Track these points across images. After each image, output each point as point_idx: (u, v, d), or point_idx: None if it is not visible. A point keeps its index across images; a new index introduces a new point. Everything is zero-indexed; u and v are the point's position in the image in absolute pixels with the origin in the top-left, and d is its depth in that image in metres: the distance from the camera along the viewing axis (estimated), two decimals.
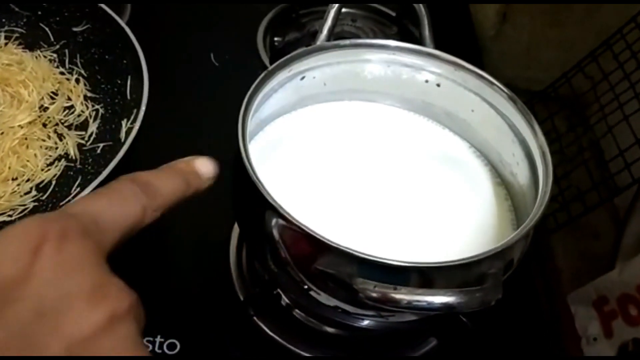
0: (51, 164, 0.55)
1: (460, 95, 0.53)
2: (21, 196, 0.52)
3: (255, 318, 0.53)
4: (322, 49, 0.51)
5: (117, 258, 0.55)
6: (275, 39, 0.77)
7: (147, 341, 0.50)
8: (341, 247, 0.37)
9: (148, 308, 0.52)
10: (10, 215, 0.50)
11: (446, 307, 0.36)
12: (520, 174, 0.50)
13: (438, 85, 0.54)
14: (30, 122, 0.55)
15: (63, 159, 0.56)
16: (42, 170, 0.54)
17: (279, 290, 0.53)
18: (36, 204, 0.52)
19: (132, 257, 0.56)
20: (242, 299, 0.54)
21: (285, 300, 0.54)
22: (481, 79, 0.51)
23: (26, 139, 0.55)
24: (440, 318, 0.52)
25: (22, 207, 0.51)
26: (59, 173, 0.54)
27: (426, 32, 0.54)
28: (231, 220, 0.59)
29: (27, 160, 0.53)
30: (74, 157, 0.56)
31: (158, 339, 0.51)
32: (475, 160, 0.55)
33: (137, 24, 0.61)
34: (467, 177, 0.53)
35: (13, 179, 0.52)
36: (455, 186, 0.52)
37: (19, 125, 0.55)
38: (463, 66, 0.51)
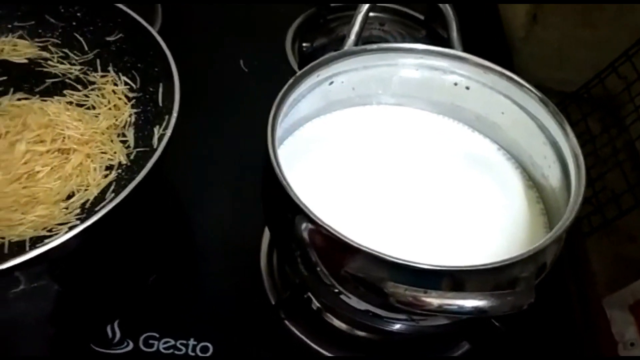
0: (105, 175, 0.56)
1: (490, 97, 0.53)
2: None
3: (286, 322, 0.53)
4: (351, 54, 0.51)
5: (151, 263, 0.56)
6: (304, 44, 0.78)
7: (181, 344, 0.51)
8: (372, 251, 0.37)
9: (182, 311, 0.54)
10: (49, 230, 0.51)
11: (477, 310, 0.35)
12: (552, 176, 0.49)
13: (467, 88, 0.54)
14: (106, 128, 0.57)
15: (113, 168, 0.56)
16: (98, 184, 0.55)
17: (309, 294, 0.53)
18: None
19: (165, 262, 0.57)
20: (273, 302, 0.54)
21: (315, 304, 0.54)
22: (511, 82, 0.50)
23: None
24: (472, 322, 0.51)
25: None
26: (114, 182, 0.55)
27: (454, 35, 0.54)
28: (261, 224, 0.59)
29: (87, 173, 0.54)
30: (124, 164, 0.56)
31: (191, 342, 0.51)
32: (506, 163, 0.54)
33: (167, 32, 0.62)
34: (497, 180, 0.53)
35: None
36: (486, 189, 0.51)
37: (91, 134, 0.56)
38: (493, 69, 0.51)
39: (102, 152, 0.56)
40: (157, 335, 0.52)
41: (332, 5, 0.83)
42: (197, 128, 0.66)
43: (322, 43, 0.79)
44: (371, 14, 0.56)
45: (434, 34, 0.81)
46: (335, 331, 0.54)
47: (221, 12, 0.84)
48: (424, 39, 0.80)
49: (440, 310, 0.36)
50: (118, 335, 0.51)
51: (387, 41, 0.75)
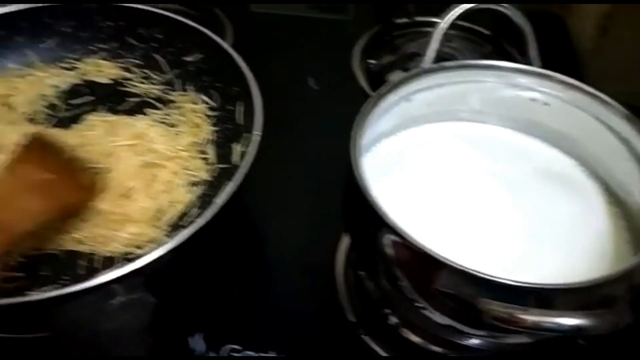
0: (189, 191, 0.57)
1: (569, 113, 0.53)
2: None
3: (364, 337, 0.53)
4: (430, 71, 0.52)
5: (232, 277, 0.57)
6: (370, 61, 0.78)
7: (262, 357, 0.52)
8: (466, 269, 0.38)
9: (263, 325, 0.55)
10: (139, 247, 0.52)
11: (575, 329, 0.35)
12: (637, 192, 0.49)
13: (546, 104, 0.54)
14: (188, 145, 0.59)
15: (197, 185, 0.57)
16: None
17: (387, 310, 0.54)
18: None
19: (245, 276, 0.59)
20: (350, 317, 0.55)
21: (393, 319, 0.54)
22: (594, 98, 0.50)
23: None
24: (556, 340, 0.51)
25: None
26: (195, 199, 0.56)
27: (533, 52, 0.54)
28: (336, 239, 0.60)
29: (174, 190, 0.55)
30: (206, 180, 0.58)
31: (272, 355, 0.52)
32: (586, 179, 0.53)
33: (238, 51, 0.64)
34: (578, 196, 0.52)
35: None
36: (566, 205, 0.51)
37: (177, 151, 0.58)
38: (575, 86, 0.51)
39: (185, 169, 0.58)
40: (240, 348, 0.53)
41: (397, 22, 0.84)
42: (268, 144, 0.68)
43: (389, 61, 0.79)
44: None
45: (501, 50, 0.81)
46: (411, 346, 0.54)
47: (288, 30, 0.86)
48: (491, 55, 0.80)
49: (537, 328, 0.36)
50: (203, 346, 0.53)
51: (454, 58, 0.75)
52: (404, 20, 0.84)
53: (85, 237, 0.51)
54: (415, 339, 0.54)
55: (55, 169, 0.49)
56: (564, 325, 0.35)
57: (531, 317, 0.35)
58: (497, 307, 0.36)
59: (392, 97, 0.51)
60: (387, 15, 0.84)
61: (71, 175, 0.51)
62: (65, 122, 0.63)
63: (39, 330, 0.46)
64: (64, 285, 0.43)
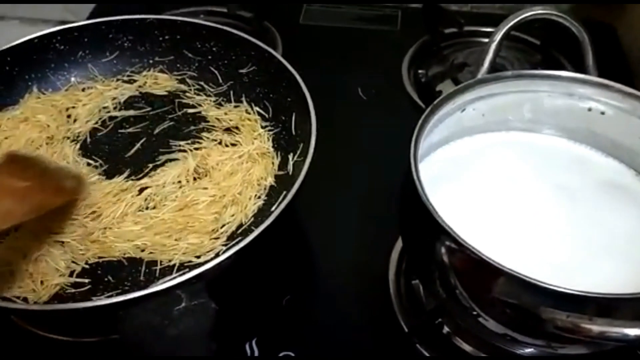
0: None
1: (627, 122, 0.52)
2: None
3: (418, 346, 0.54)
4: (485, 81, 0.52)
5: (284, 285, 0.58)
6: (419, 71, 0.79)
7: None
8: (528, 278, 0.38)
9: (315, 333, 0.55)
10: (198, 257, 0.53)
11: None
12: None
13: (602, 113, 0.53)
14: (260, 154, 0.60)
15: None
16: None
17: (441, 319, 0.54)
18: None
19: (297, 284, 0.59)
20: (404, 326, 0.55)
21: (445, 328, 0.54)
22: None
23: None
24: (614, 351, 0.50)
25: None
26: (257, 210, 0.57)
27: (589, 61, 0.54)
28: (388, 248, 0.61)
29: (245, 207, 0.56)
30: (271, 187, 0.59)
31: None
32: None
33: (287, 61, 0.65)
34: (635, 207, 0.51)
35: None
36: (624, 216, 0.50)
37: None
38: (633, 94, 0.50)
39: (248, 182, 0.59)
40: (293, 355, 0.54)
41: (445, 32, 0.84)
42: (319, 152, 0.69)
43: (438, 71, 0.80)
44: (484, 40, 0.57)
45: (550, 59, 0.81)
46: (462, 354, 0.54)
47: (337, 42, 0.87)
48: (541, 64, 0.80)
49: (602, 338, 0.35)
50: (256, 352, 0.54)
51: (504, 67, 0.75)
52: (452, 30, 0.84)
53: (147, 245, 0.53)
54: (467, 347, 0.54)
55: (29, 178, 0.52)
56: (630, 336, 0.35)
57: (597, 326, 0.35)
58: (561, 317, 0.36)
59: (448, 107, 0.51)
60: (434, 25, 0.84)
61: (47, 181, 0.55)
62: None
63: (110, 333, 0.48)
64: (127, 292, 0.44)
